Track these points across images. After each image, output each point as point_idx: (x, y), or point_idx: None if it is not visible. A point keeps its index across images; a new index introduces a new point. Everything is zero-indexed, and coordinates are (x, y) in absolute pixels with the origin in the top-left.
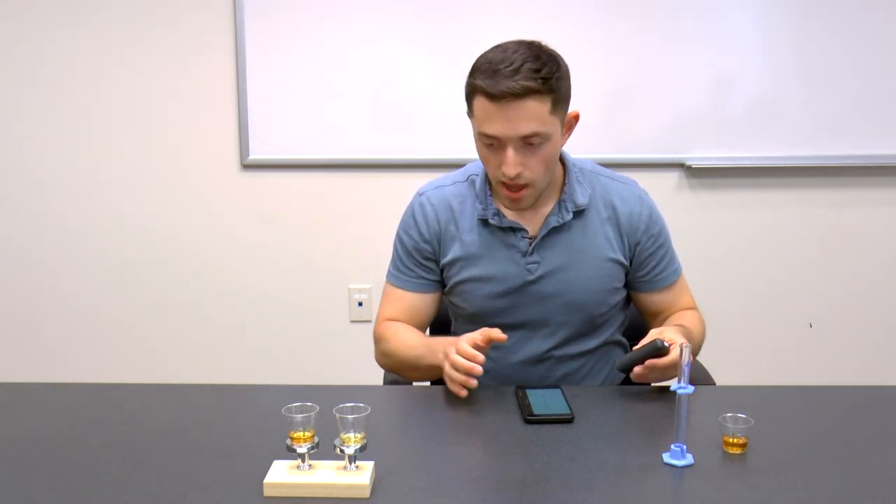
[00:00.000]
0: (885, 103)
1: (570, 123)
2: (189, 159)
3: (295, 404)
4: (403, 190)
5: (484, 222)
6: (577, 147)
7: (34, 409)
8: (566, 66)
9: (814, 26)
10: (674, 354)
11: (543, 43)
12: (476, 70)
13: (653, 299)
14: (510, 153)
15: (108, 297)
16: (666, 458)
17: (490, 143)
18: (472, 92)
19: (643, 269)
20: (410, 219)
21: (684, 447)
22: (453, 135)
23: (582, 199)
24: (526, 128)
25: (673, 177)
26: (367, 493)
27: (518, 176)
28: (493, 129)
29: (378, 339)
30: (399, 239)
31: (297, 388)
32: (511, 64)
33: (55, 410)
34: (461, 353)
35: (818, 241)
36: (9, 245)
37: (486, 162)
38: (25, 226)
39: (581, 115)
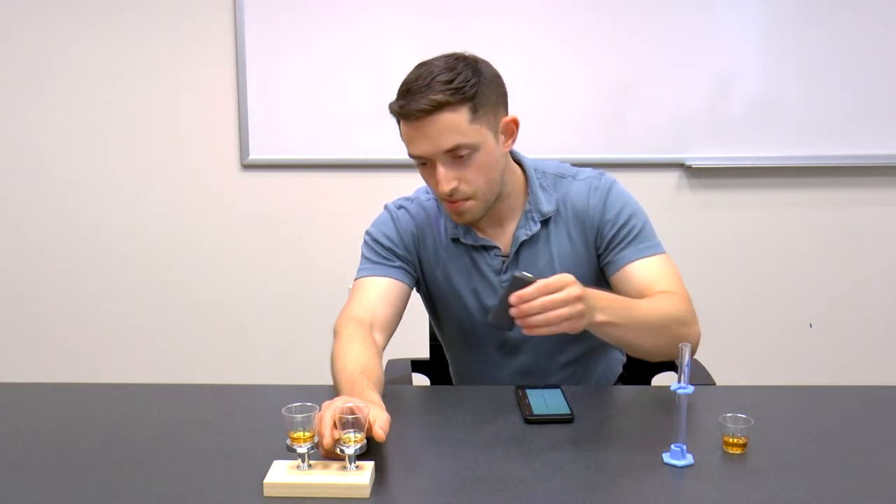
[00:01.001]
0: (885, 103)
1: (508, 129)
2: (189, 159)
3: (295, 404)
4: (403, 190)
5: (456, 241)
6: (578, 147)
7: (34, 409)
8: (493, 72)
9: (814, 26)
10: (546, 280)
11: (469, 53)
12: (397, 93)
13: (619, 283)
14: (440, 170)
15: (109, 296)
16: (666, 458)
17: (422, 163)
18: (395, 117)
19: (607, 251)
20: (389, 222)
21: (684, 447)
22: None
23: (547, 207)
24: (447, 141)
25: (673, 177)
26: (367, 493)
27: (454, 191)
28: (417, 149)
29: (334, 334)
30: (372, 238)
31: (297, 388)
32: (424, 80)
33: (55, 410)
34: (320, 422)
35: (818, 241)
36: (9, 245)
37: (427, 181)
38: (26, 226)
39: (581, 115)
